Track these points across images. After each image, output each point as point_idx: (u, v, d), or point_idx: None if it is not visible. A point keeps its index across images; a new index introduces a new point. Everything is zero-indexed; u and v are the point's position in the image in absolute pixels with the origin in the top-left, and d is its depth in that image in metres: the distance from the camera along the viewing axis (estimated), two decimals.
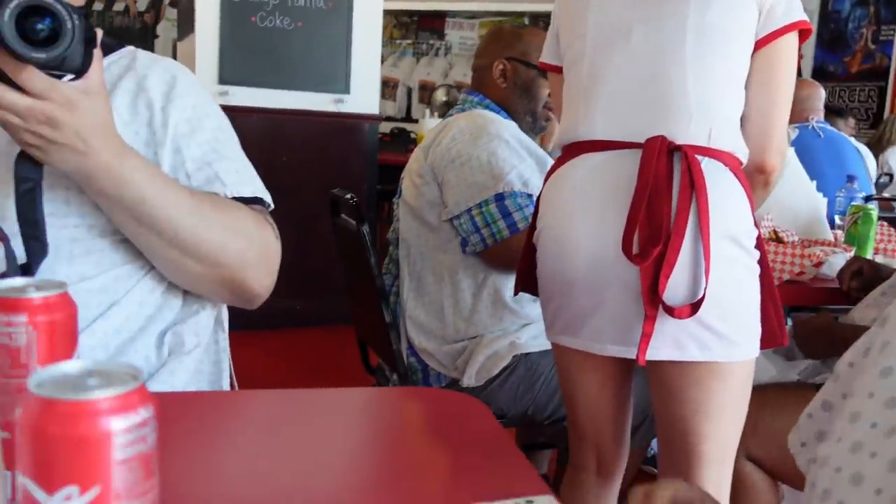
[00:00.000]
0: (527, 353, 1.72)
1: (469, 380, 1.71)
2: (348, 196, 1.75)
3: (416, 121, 6.24)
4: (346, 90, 3.94)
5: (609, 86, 1.30)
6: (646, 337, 1.22)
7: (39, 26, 0.79)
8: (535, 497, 0.67)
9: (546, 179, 1.40)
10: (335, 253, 2.03)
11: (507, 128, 1.78)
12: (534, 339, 1.73)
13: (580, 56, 1.34)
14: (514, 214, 1.69)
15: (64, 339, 0.61)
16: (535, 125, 1.89)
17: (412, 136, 5.84)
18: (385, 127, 5.66)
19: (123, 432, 0.43)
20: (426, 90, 8.01)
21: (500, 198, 1.68)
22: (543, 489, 0.70)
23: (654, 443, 2.11)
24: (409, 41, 8.52)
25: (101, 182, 0.89)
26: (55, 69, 0.82)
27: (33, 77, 0.80)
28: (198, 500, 0.65)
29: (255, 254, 1.01)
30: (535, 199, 1.69)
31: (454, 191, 1.71)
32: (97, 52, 0.85)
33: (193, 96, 1.08)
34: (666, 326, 1.23)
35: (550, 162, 1.81)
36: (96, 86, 0.85)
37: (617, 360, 1.33)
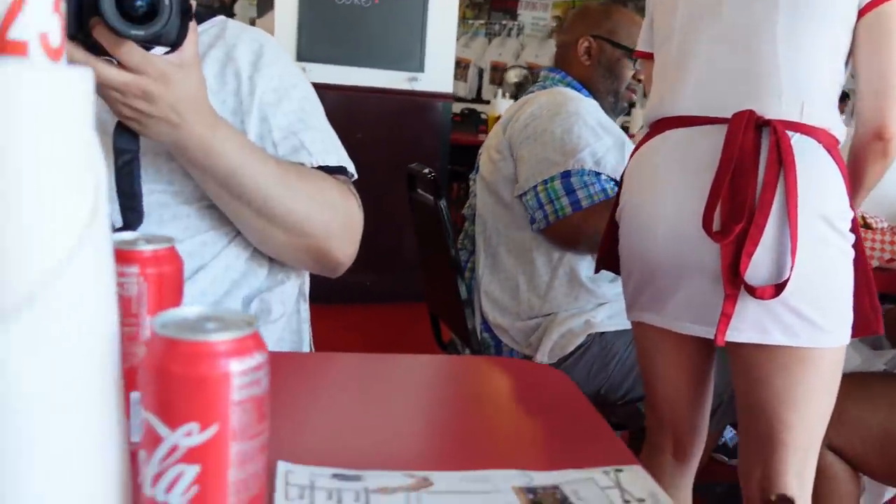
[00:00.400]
0: (602, 333, 1.71)
1: (542, 357, 1.71)
2: (426, 171, 1.76)
3: (487, 102, 6.21)
4: (421, 68, 3.95)
5: (698, 62, 1.28)
6: (725, 317, 1.20)
7: (138, 3, 0.81)
8: (624, 466, 0.67)
9: (631, 157, 1.39)
10: (407, 229, 2.05)
11: (587, 106, 1.77)
12: (609, 318, 1.72)
13: (670, 33, 1.32)
14: (579, 192, 1.67)
15: (172, 291, 0.64)
16: (616, 105, 1.87)
17: (483, 116, 5.82)
18: (455, 108, 5.65)
19: (240, 374, 0.44)
20: (497, 71, 7.96)
21: (566, 175, 1.67)
22: (631, 459, 0.69)
23: (726, 432, 2.08)
24: (481, 21, 8.48)
25: (194, 153, 0.91)
26: (151, 43, 0.84)
27: (131, 51, 0.82)
28: (298, 450, 0.67)
29: (340, 224, 1.03)
30: (603, 178, 1.67)
31: (525, 166, 1.71)
32: (192, 24, 0.87)
33: (281, 66, 1.10)
34: (748, 308, 1.20)
35: (628, 142, 1.79)
36: (190, 58, 0.87)
37: (697, 340, 1.31)
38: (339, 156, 1.09)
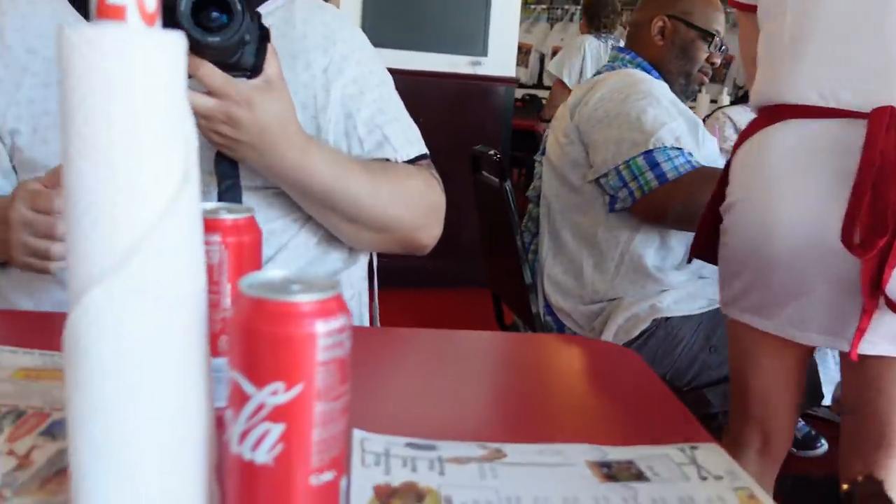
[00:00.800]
0: (667, 318, 1.69)
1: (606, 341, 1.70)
2: (491, 152, 1.75)
3: (548, 87, 6.15)
4: (484, 52, 3.93)
5: (819, 41, 1.14)
6: (861, 331, 1.12)
7: (214, 14, 0.81)
8: (700, 444, 0.66)
9: (739, 143, 1.27)
10: (469, 214, 2.04)
11: (659, 87, 1.74)
12: (675, 303, 1.69)
13: (781, 4, 1.19)
14: (663, 165, 1.63)
15: (251, 260, 0.65)
16: (687, 88, 1.83)
17: (544, 102, 5.78)
18: (517, 93, 5.62)
19: (325, 335, 0.45)
20: None
21: (648, 153, 1.64)
22: (706, 437, 0.68)
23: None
24: (543, 6, 8.40)
25: (284, 176, 0.92)
26: (230, 69, 0.83)
27: (212, 74, 0.82)
28: (372, 419, 0.67)
29: (426, 213, 1.05)
30: (686, 153, 1.63)
31: (601, 149, 1.68)
32: (270, 45, 0.86)
33: (357, 52, 1.08)
34: (883, 320, 1.12)
35: (702, 126, 1.75)
36: (275, 80, 0.85)
37: (801, 346, 1.25)
38: (419, 145, 1.10)
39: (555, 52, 7.84)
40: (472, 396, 0.77)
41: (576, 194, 1.75)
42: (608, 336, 1.69)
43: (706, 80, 1.84)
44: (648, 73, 1.79)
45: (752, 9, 1.29)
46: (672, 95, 1.75)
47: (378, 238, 1.03)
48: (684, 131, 1.67)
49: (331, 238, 1.06)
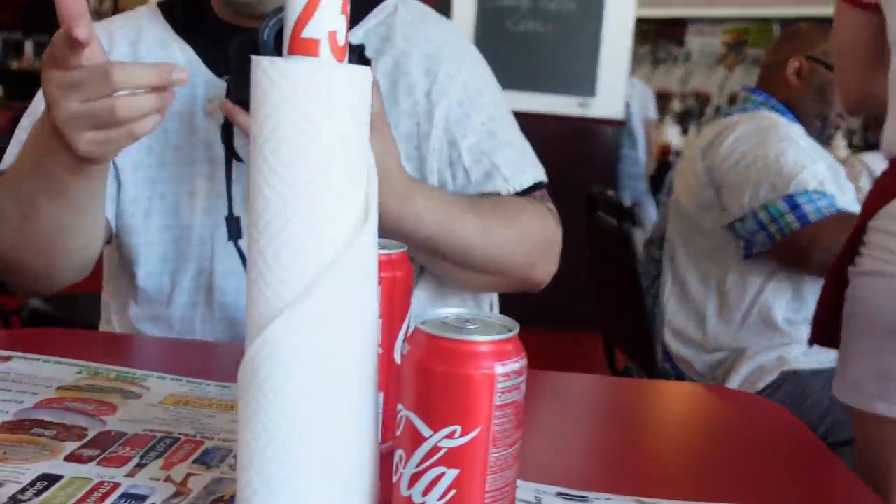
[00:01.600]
0: (795, 370, 1.60)
1: None
2: (609, 193, 1.72)
3: None
4: (592, 93, 3.91)
5: None
6: None
7: None
8: None
9: (875, 199, 1.11)
10: (576, 255, 1.98)
11: (796, 130, 1.67)
12: (804, 355, 1.60)
13: None
14: (805, 206, 1.55)
15: (403, 296, 0.64)
16: (823, 132, 1.75)
17: None
18: None
19: (503, 377, 0.43)
20: (662, 98, 7.80)
21: (788, 197, 1.56)
22: (874, 500, 0.63)
23: None
24: (646, 49, 8.34)
25: (386, 226, 0.82)
26: None
27: None
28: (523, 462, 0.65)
29: (541, 252, 0.97)
30: (829, 196, 1.55)
31: (736, 193, 1.61)
32: (375, 81, 0.73)
33: (465, 70, 0.98)
34: None
35: (842, 171, 1.67)
36: (376, 120, 0.75)
37: None
38: (532, 171, 1.00)
39: (658, 94, 7.77)
40: (618, 445, 0.73)
41: (705, 239, 1.69)
42: (732, 387, 1.61)
43: (843, 124, 1.76)
44: (783, 115, 1.72)
45: (871, 7, 1.12)
46: (810, 139, 1.68)
47: (491, 280, 0.97)
48: (826, 175, 1.59)
49: (449, 287, 1.01)
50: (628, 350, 1.82)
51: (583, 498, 0.60)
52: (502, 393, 0.43)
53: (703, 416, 0.86)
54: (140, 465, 0.59)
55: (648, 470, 0.70)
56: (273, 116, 0.43)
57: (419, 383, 0.44)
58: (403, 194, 0.83)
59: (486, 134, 0.96)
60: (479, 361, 0.43)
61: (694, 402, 0.91)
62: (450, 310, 0.47)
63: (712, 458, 0.73)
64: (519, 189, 0.97)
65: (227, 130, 0.91)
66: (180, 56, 0.95)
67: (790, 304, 1.63)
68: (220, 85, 0.91)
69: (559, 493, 0.61)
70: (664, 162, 5.21)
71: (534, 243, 0.97)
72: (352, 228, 0.45)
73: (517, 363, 0.44)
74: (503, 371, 0.43)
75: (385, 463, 0.48)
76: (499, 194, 0.96)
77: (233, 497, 0.55)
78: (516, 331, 0.45)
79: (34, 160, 0.77)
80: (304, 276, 0.44)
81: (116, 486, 0.56)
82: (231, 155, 0.92)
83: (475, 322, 0.46)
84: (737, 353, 1.65)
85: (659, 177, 4.56)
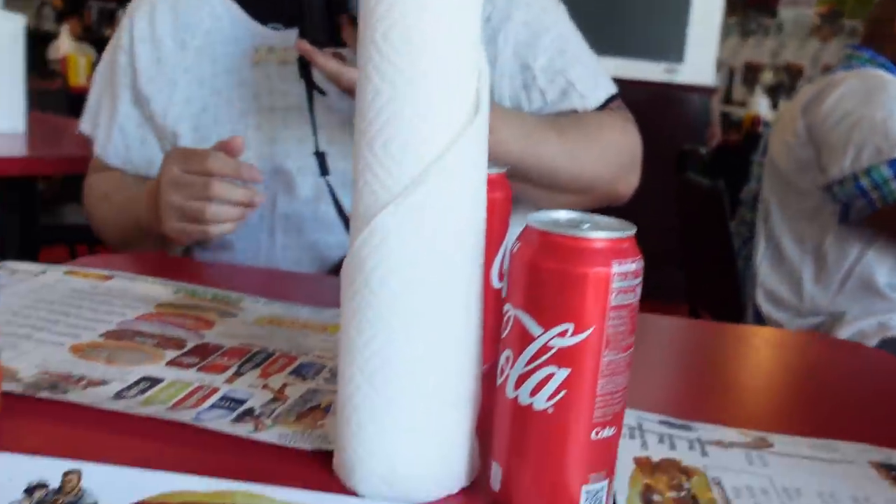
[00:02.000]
0: None
1: None
2: (702, 150, 1.66)
3: (739, 104, 5.85)
4: (680, 59, 3.80)
5: None
6: None
7: None
8: None
9: None
10: (659, 224, 1.92)
11: None
12: None
13: None
14: None
15: (501, 218, 0.62)
16: None
17: (732, 118, 5.50)
18: None
19: (619, 276, 0.41)
20: (751, 71, 7.52)
21: (893, 162, 1.48)
22: None
23: None
24: (734, 19, 8.04)
25: None
26: None
27: None
28: None
29: (624, 165, 0.97)
30: None
31: (837, 154, 1.53)
32: None
33: None
34: None
35: None
36: None
37: None
38: (605, 84, 0.99)
39: (747, 67, 7.48)
40: (726, 384, 0.70)
41: (803, 199, 1.61)
42: None
43: None
44: (891, 71, 1.62)
45: None
46: None
47: (577, 199, 0.95)
48: None
49: None
50: (717, 314, 1.76)
51: (686, 426, 0.58)
52: (617, 293, 0.41)
53: (807, 359, 0.82)
54: (238, 374, 0.59)
55: (756, 406, 0.67)
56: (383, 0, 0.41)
57: (531, 281, 0.42)
58: (492, 124, 0.82)
59: (556, 52, 0.96)
60: (594, 259, 0.41)
61: (797, 347, 0.87)
62: (558, 212, 0.45)
63: (824, 399, 0.70)
64: (595, 105, 0.96)
65: (305, 67, 0.92)
66: (221, 8, 0.96)
67: (893, 271, 1.55)
68: (266, 34, 0.94)
69: (662, 421, 0.58)
70: (753, 133, 5.03)
71: (618, 157, 0.96)
72: (463, 120, 0.43)
73: (634, 264, 0.42)
74: (619, 270, 0.41)
75: (483, 384, 0.47)
76: (575, 111, 0.95)
77: (329, 406, 0.55)
78: (633, 231, 0.43)
79: (135, 215, 0.93)
80: (414, 167, 0.42)
81: (215, 389, 0.56)
82: (312, 88, 0.92)
83: (588, 222, 0.44)
84: (834, 317, 1.57)
85: (744, 149, 4.42)
